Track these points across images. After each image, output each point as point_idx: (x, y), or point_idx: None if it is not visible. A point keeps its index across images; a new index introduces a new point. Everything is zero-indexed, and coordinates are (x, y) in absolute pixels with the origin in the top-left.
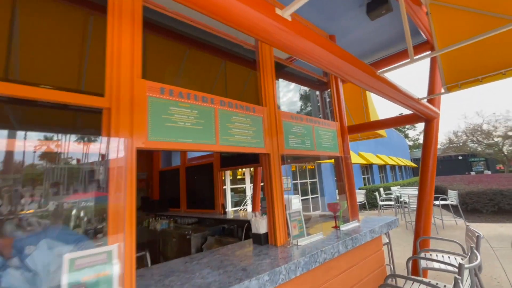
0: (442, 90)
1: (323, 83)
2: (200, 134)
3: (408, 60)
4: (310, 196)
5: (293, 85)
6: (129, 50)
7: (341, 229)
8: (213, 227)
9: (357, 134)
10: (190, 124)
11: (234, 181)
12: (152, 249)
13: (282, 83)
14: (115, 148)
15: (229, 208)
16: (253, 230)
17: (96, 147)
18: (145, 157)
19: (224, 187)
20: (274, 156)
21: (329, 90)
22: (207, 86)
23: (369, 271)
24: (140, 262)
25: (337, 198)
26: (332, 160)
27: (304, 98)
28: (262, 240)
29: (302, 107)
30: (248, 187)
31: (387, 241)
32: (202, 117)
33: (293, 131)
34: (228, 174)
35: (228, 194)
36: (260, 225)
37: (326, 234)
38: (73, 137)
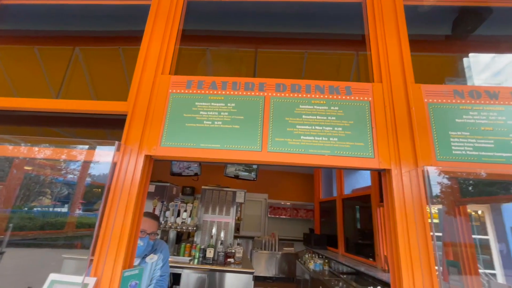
0: None
1: None
2: (234, 137)
3: None
4: None
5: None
6: (157, 46)
7: None
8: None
9: None
10: (221, 122)
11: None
12: None
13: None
14: (117, 158)
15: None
16: None
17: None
18: (305, 185)
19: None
20: (403, 176)
21: None
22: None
23: None
24: None
25: None
26: None
27: None
28: None
29: None
30: None
31: None
32: (241, 112)
33: (465, 123)
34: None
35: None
36: None
37: None
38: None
